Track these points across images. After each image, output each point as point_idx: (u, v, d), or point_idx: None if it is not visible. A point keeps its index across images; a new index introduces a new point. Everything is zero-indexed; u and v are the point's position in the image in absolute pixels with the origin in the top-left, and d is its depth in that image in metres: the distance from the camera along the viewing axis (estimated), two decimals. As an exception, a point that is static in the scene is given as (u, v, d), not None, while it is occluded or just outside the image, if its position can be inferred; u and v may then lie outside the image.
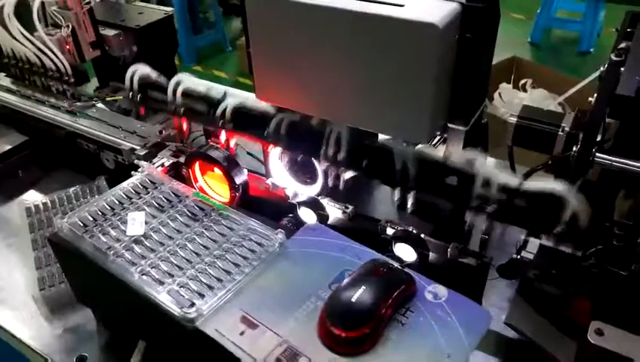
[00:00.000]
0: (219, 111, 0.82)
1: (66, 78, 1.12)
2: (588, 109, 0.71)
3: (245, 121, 0.81)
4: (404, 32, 0.59)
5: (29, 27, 1.08)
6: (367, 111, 0.68)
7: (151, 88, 0.91)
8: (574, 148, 0.71)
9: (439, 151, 0.70)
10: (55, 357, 0.79)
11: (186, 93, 0.86)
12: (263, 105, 0.79)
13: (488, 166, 0.64)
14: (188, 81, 0.86)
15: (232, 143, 0.89)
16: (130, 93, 0.93)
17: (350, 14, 0.61)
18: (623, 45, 0.64)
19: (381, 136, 0.72)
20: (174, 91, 0.86)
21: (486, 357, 0.74)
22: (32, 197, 1.09)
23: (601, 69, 0.65)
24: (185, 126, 0.94)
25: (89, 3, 1.08)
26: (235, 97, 0.82)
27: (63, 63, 1.10)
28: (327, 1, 0.63)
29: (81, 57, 1.11)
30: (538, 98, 2.18)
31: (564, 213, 0.60)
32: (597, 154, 0.59)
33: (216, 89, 0.85)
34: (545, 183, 0.62)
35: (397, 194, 0.81)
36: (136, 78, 0.92)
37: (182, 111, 0.87)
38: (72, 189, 1.01)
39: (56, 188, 1.02)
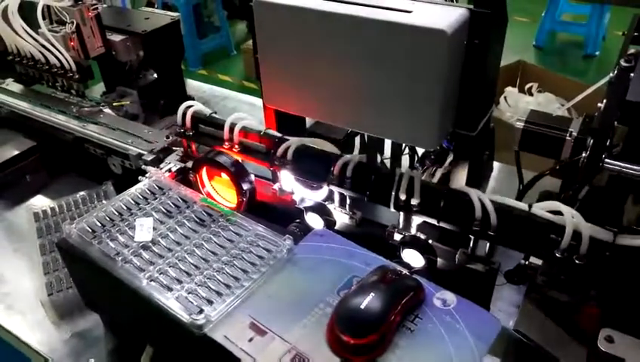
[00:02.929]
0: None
1: (71, 74, 1.12)
2: (595, 114, 0.71)
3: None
4: (413, 38, 0.59)
5: (35, 24, 1.09)
6: (375, 117, 0.68)
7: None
8: (583, 154, 0.71)
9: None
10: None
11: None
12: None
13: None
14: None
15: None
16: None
17: (358, 20, 0.62)
18: (632, 51, 0.64)
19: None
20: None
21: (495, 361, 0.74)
22: (40, 202, 1.09)
23: (611, 74, 0.65)
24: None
25: (96, 9, 1.09)
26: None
27: (67, 60, 1.11)
28: (335, 8, 0.63)
29: (85, 54, 1.12)
30: (544, 102, 2.17)
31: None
32: (606, 159, 0.58)
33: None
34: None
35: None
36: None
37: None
38: (79, 194, 1.01)
39: (63, 193, 1.03)
